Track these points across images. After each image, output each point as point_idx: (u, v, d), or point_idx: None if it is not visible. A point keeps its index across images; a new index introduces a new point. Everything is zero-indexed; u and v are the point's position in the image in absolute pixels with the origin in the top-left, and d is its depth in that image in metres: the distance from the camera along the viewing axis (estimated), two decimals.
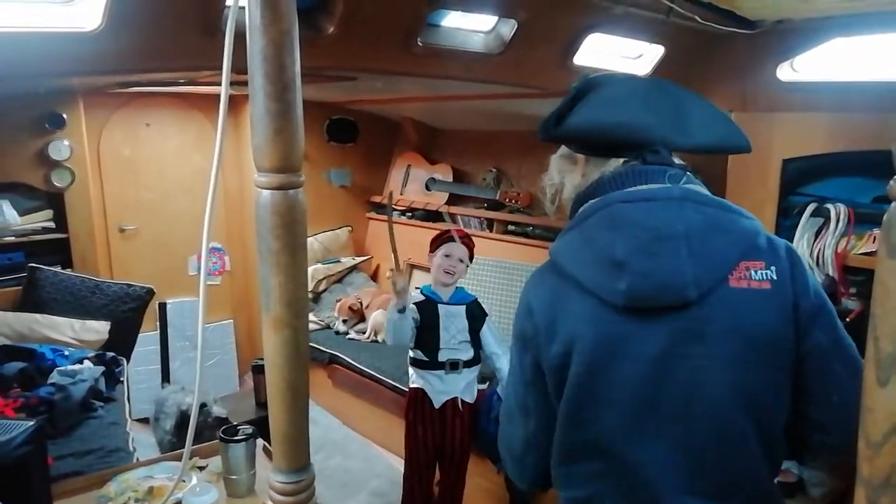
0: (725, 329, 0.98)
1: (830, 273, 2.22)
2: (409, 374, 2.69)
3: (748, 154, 1.17)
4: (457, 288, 2.64)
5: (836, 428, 1.02)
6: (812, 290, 1.02)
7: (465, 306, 2.60)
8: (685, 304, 0.98)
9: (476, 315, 2.61)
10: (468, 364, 2.59)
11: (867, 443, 0.54)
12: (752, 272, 1.00)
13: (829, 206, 2.25)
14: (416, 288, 2.76)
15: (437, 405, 2.58)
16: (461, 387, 2.59)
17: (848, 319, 2.21)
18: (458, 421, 2.62)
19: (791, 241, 2.31)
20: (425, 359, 2.57)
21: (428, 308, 2.56)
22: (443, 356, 2.54)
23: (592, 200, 1.09)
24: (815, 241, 2.26)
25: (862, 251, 2.17)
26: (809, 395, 1.03)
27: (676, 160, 1.10)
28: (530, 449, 1.17)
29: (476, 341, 2.61)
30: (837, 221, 2.21)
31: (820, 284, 1.06)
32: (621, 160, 1.11)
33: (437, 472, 2.77)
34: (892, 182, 0.57)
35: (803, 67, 2.31)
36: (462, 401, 2.61)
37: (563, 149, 1.22)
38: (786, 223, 2.38)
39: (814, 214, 2.29)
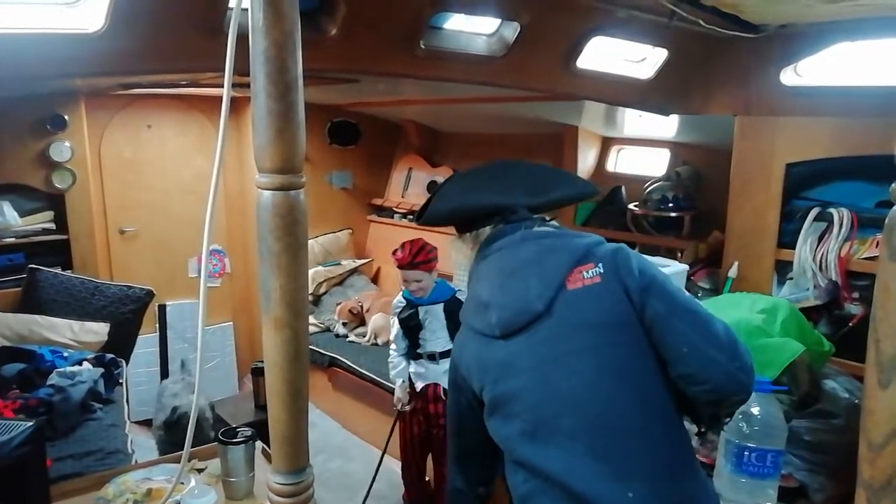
0: (575, 324, 1.20)
1: (833, 278, 2.22)
2: (395, 364, 2.97)
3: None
4: (435, 284, 2.81)
5: (700, 374, 1.17)
6: (637, 270, 1.22)
7: (442, 304, 2.79)
8: (539, 316, 1.21)
9: (453, 311, 2.74)
10: (444, 355, 2.80)
11: (868, 445, 0.53)
12: (584, 273, 1.22)
13: (833, 210, 2.25)
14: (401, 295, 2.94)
15: (418, 388, 2.87)
16: (439, 373, 2.80)
17: (851, 324, 2.21)
18: (442, 406, 2.79)
19: (794, 245, 2.32)
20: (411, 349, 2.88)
21: (410, 310, 2.81)
22: (423, 349, 2.83)
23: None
24: (818, 245, 2.26)
25: (865, 255, 2.17)
26: (668, 356, 1.19)
27: (540, 215, 1.38)
28: (467, 463, 1.44)
29: (454, 333, 2.71)
30: (840, 226, 2.21)
31: (648, 264, 1.25)
32: (489, 226, 1.37)
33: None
34: (893, 185, 0.57)
35: (807, 72, 2.31)
36: (443, 388, 2.80)
37: (454, 238, 1.46)
38: (788, 227, 2.37)
39: (817, 219, 2.29)
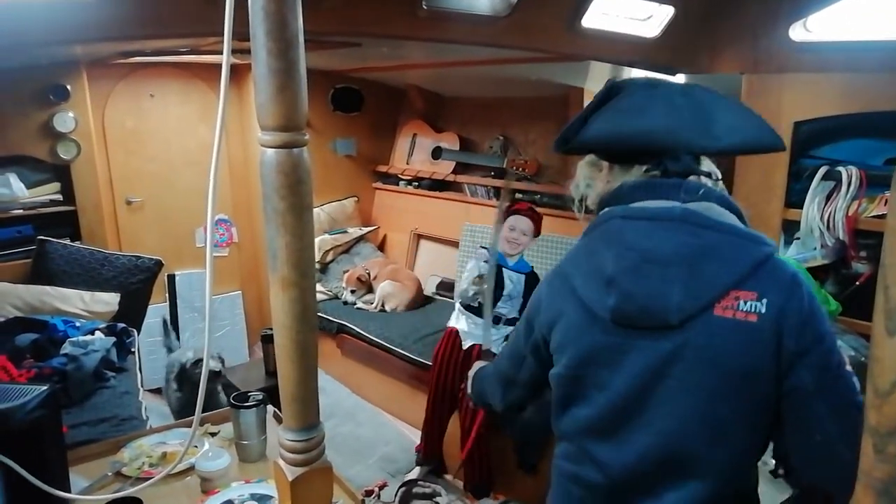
0: (702, 357, 0.99)
1: (841, 237, 2.21)
2: (454, 311, 3.08)
3: None
4: (520, 257, 2.91)
5: (820, 469, 1.00)
6: (805, 327, 0.97)
7: (525, 275, 2.89)
8: (668, 326, 1.00)
9: (532, 285, 2.79)
10: (508, 322, 2.86)
11: (875, 392, 0.54)
12: (741, 302, 0.97)
13: (841, 168, 2.22)
14: (483, 248, 3.01)
15: (464, 346, 2.94)
16: (491, 338, 2.79)
17: (858, 283, 2.20)
18: None
19: (801, 205, 2.29)
20: (475, 305, 2.93)
21: (496, 270, 2.81)
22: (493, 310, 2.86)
23: (606, 209, 1.11)
24: (825, 204, 2.24)
25: (873, 214, 2.15)
26: (789, 434, 1.01)
27: (707, 165, 1.10)
28: (508, 388, 1.35)
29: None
30: (849, 185, 2.19)
31: (821, 316, 0.99)
32: (644, 168, 1.10)
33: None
34: None
35: (817, 27, 2.26)
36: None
37: (590, 155, 1.20)
38: (796, 187, 2.35)
39: (825, 178, 2.26)
